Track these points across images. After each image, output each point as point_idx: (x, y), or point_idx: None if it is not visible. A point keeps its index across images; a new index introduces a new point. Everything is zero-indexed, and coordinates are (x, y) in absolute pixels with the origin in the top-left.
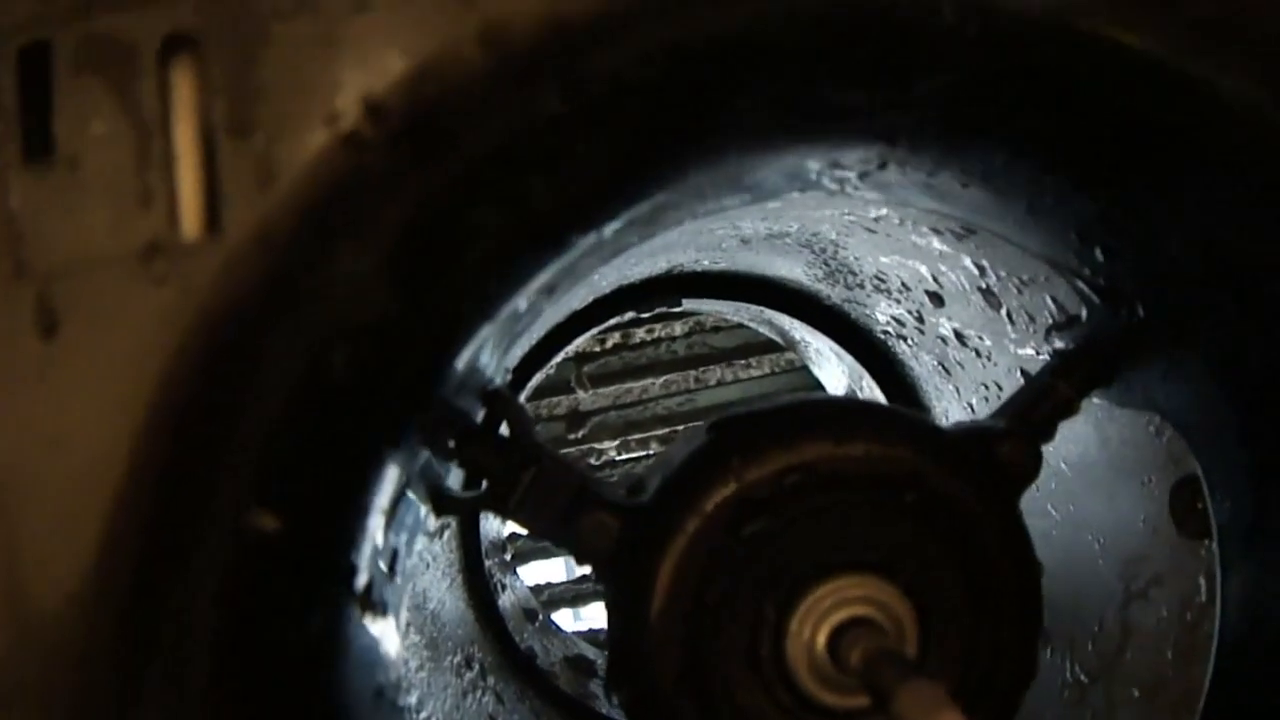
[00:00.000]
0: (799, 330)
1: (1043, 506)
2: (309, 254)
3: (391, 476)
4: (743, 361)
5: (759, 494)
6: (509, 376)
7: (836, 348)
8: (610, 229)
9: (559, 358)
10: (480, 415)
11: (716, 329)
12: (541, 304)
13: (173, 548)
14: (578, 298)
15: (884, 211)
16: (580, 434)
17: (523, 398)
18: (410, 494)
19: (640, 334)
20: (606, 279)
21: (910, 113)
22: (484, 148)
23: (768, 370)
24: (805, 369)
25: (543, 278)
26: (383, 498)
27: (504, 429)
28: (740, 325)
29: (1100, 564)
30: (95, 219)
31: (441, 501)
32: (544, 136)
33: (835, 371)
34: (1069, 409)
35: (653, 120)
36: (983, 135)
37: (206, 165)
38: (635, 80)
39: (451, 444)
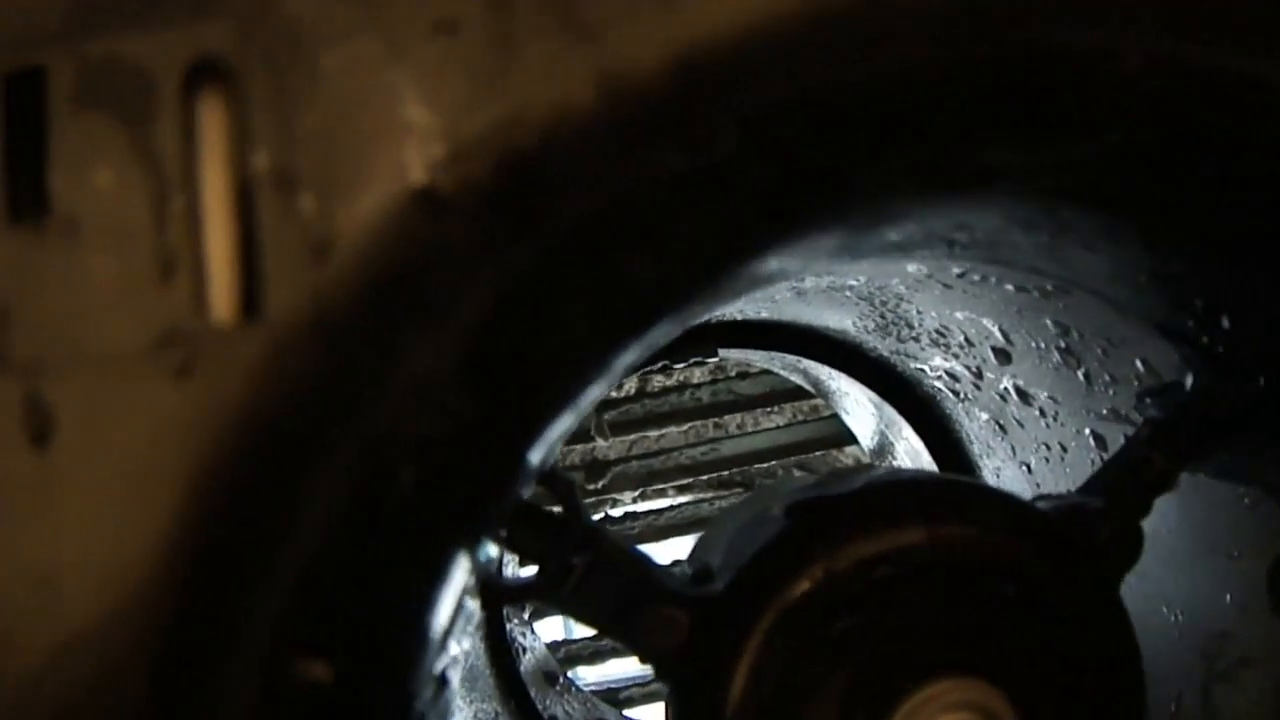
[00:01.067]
0: (837, 379)
1: None
2: (371, 346)
3: (457, 587)
4: (766, 409)
5: (846, 587)
6: (558, 451)
7: (876, 399)
8: (705, 306)
9: None
10: (529, 492)
11: (742, 375)
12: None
13: (195, 701)
14: None
15: (967, 268)
16: (600, 484)
17: None
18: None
19: (661, 380)
20: None
21: (1067, 175)
22: (587, 213)
23: (791, 418)
24: (834, 417)
25: (629, 357)
26: (445, 612)
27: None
28: (765, 371)
29: (1179, 639)
30: (99, 296)
31: (492, 594)
32: (657, 201)
33: (869, 422)
34: (1167, 483)
35: (781, 183)
36: (1136, 198)
37: (242, 228)
38: (768, 136)
39: (504, 530)
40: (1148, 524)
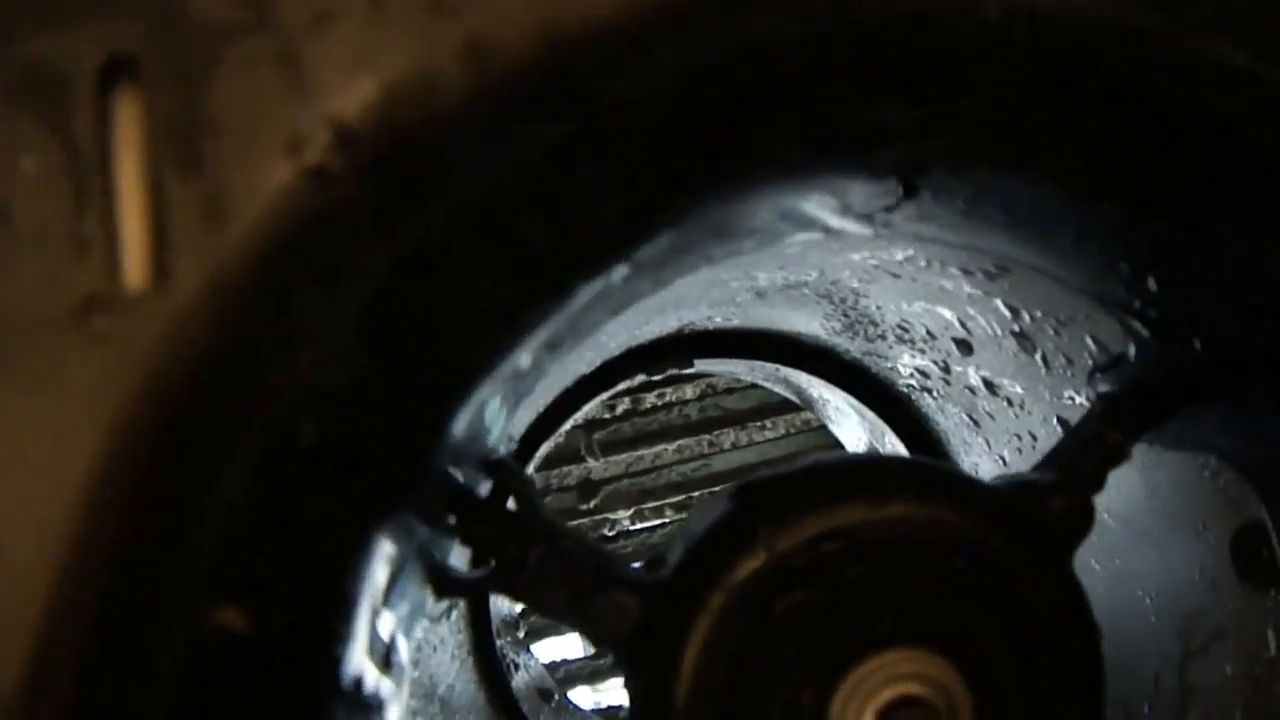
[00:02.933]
0: (816, 387)
1: (1085, 561)
2: (272, 307)
3: (384, 559)
4: (758, 424)
5: (792, 564)
6: (514, 445)
7: (857, 404)
8: (619, 274)
9: (567, 425)
10: (484, 488)
11: (730, 390)
12: (545, 361)
13: (120, 656)
14: (584, 360)
15: (910, 252)
16: (593, 504)
17: (531, 469)
18: (408, 576)
19: (651, 398)
20: (615, 339)
21: (950, 132)
22: (474, 183)
23: (784, 431)
24: (823, 428)
25: (545, 331)
26: (373, 584)
27: (511, 503)
28: (754, 386)
29: (1153, 620)
30: (25, 270)
31: (444, 583)
32: (543, 170)
33: (855, 429)
34: (1119, 456)
35: (663, 150)
36: (1032, 157)
37: (152, 206)
38: (643, 103)
39: (453, 520)
40: (1119, 507)
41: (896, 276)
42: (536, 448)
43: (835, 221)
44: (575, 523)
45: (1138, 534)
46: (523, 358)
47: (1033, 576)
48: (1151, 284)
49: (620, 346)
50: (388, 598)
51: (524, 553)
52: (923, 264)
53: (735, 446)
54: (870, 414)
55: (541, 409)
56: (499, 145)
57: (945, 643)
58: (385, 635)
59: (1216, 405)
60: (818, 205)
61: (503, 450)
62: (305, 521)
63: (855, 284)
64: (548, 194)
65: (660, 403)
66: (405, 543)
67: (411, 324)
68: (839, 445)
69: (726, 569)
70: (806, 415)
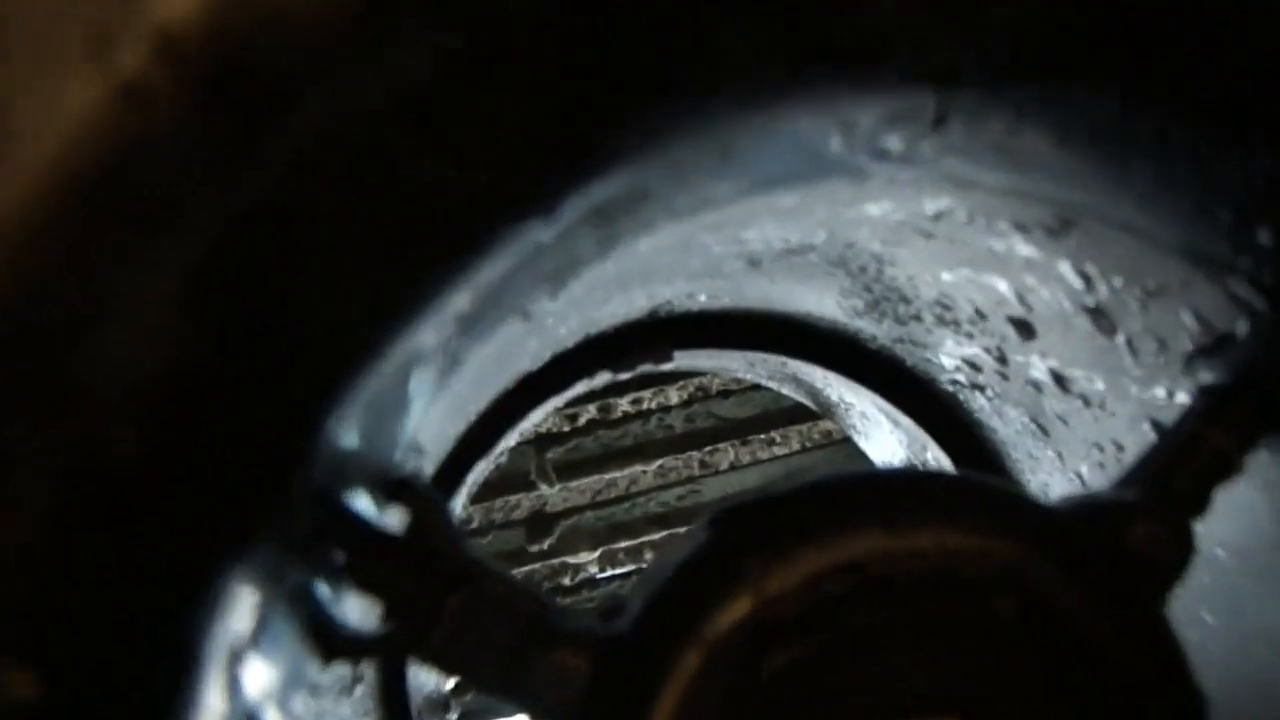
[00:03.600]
0: (835, 387)
1: (1194, 612)
2: (73, 264)
3: (242, 607)
4: (762, 437)
5: (786, 612)
6: (423, 458)
7: (888, 407)
8: (547, 230)
9: (510, 440)
10: (389, 516)
11: (725, 393)
12: (461, 347)
13: None
14: (525, 351)
15: (944, 203)
16: (547, 544)
17: (463, 498)
18: (277, 631)
19: (624, 405)
20: (565, 323)
21: (978, 37)
22: (342, 109)
23: (797, 446)
24: (848, 442)
25: (452, 304)
26: (225, 640)
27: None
28: (756, 387)
29: None
30: None
31: (332, 642)
32: (433, 92)
33: (888, 442)
34: (1228, 468)
35: (587, 63)
36: (1087, 65)
37: None
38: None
39: (341, 557)
40: (1236, 538)
41: (929, 236)
42: (467, 470)
43: (838, 158)
44: (525, 569)
45: (1263, 573)
46: (424, 337)
47: (1107, 626)
48: (1264, 236)
49: (574, 334)
50: (247, 659)
51: (438, 600)
52: (962, 218)
53: (734, 467)
54: (906, 421)
55: (472, 418)
56: (374, 61)
57: (983, 711)
58: (246, 709)
59: None
60: (811, 136)
61: (409, 465)
62: (124, 557)
63: (877, 247)
64: (439, 123)
65: (635, 410)
66: (272, 586)
67: (262, 292)
68: (868, 463)
69: (701, 619)
70: (826, 425)
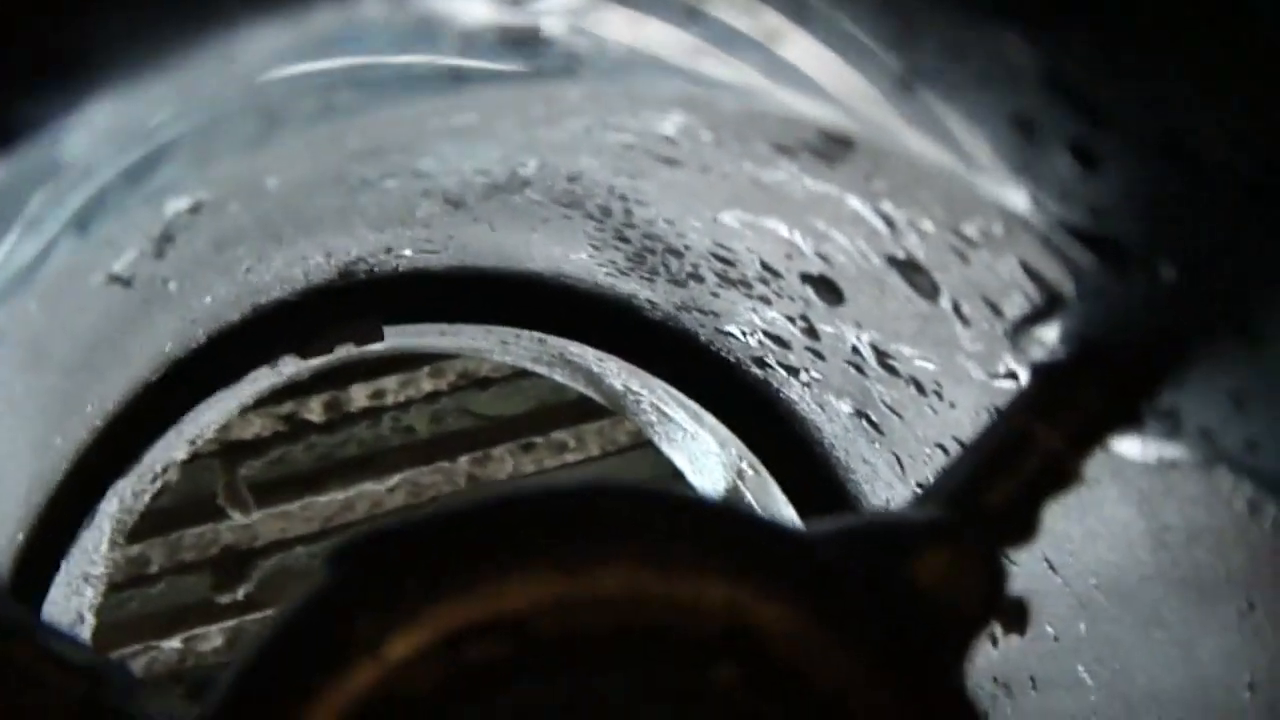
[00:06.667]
0: (617, 372)
1: (1068, 670)
2: None
3: None
4: (540, 439)
5: (419, 685)
6: None
7: (684, 399)
8: None
9: (175, 452)
10: None
11: (485, 382)
12: None
13: None
14: (158, 331)
15: (675, 119)
16: (242, 592)
17: (104, 541)
18: None
19: (359, 399)
20: (208, 291)
21: None
22: None
23: (596, 451)
24: (650, 447)
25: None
26: None
27: None
28: (523, 374)
29: None
30: None
31: None
32: None
33: (695, 445)
34: (1062, 476)
35: None
36: None
37: None
38: None
39: None
40: (1112, 571)
41: (673, 164)
42: (96, 499)
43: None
44: (211, 628)
45: (1148, 619)
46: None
47: (876, 701)
48: (1061, 164)
49: (231, 305)
50: None
51: None
52: (705, 137)
53: (511, 478)
54: (709, 418)
55: (103, 418)
56: None
57: None
58: None
59: (1217, 378)
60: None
61: None
62: None
63: (613, 179)
64: None
65: (367, 404)
66: None
67: None
68: (678, 473)
69: (304, 698)
70: (629, 425)
